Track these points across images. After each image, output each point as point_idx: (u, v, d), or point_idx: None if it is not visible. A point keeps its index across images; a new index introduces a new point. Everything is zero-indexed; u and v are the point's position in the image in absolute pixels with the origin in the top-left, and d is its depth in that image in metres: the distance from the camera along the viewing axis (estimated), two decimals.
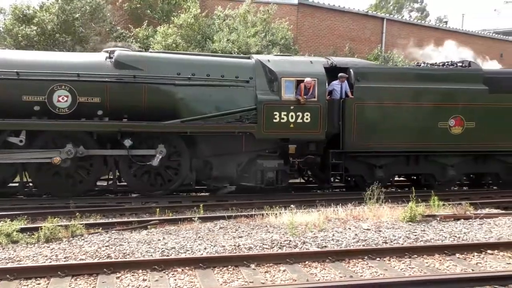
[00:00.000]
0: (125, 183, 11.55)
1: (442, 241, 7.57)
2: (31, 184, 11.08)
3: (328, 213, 8.98)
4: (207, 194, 12.09)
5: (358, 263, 6.48)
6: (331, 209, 9.24)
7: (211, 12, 21.10)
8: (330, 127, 11.57)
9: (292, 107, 11.16)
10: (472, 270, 6.26)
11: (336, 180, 12.36)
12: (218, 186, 11.75)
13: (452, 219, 8.90)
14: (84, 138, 10.67)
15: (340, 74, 11.70)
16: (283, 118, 11.11)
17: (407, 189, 12.32)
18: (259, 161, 11.35)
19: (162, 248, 6.81)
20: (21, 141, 10.23)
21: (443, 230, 8.17)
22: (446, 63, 13.47)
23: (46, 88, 10.27)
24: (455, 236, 7.82)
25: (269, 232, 7.77)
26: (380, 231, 7.96)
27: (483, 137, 11.71)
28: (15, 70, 10.19)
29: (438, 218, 8.86)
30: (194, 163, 11.30)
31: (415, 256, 6.78)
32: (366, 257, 6.62)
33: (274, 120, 11.08)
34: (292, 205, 9.11)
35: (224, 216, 8.93)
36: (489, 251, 7.07)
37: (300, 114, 11.19)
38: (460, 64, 13.09)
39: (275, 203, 9.91)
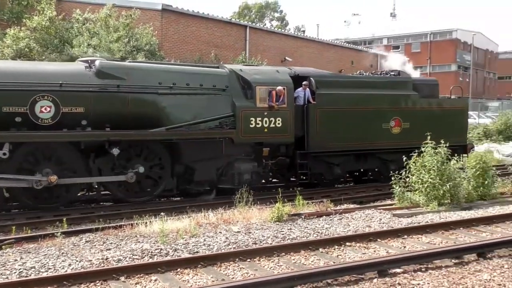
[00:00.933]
0: (108, 192, 11.35)
1: (307, 237, 8.02)
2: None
3: (199, 218, 9.01)
4: (163, 200, 12.10)
5: (229, 265, 6.58)
6: (202, 214, 9.29)
7: (69, 15, 20.00)
8: (297, 130, 12.41)
9: (265, 113, 11.91)
10: (334, 262, 6.71)
11: (303, 178, 13.03)
12: (200, 190, 11.92)
13: (316, 216, 9.47)
14: (68, 149, 10.51)
15: (304, 82, 12.69)
16: (258, 124, 11.83)
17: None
18: (236, 164, 11.80)
19: (20, 269, 6.25)
20: (4, 154, 9.67)
21: (307, 227, 8.64)
22: (382, 72, 15.41)
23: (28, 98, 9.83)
24: (318, 232, 8.33)
25: (139, 242, 7.56)
26: (250, 232, 8.18)
27: (416, 135, 12.50)
28: None
29: (303, 216, 9.35)
30: (177, 169, 11.51)
31: (283, 254, 7.08)
32: (237, 259, 6.75)
33: (251, 126, 11.76)
34: (162, 213, 8.96)
35: (91, 229, 8.49)
36: (347, 243, 7.65)
37: (273, 119, 12.00)
38: (392, 73, 14.99)
39: (144, 211, 9.68)
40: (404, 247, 7.64)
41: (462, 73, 55.76)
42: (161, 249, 7.13)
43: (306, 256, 7.07)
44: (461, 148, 14.42)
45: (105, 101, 10.54)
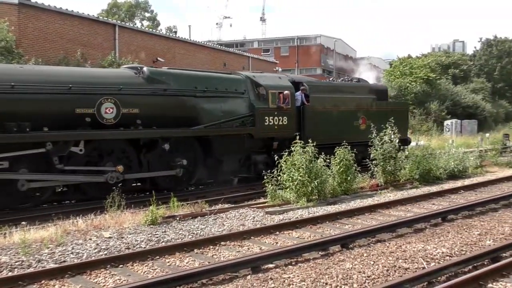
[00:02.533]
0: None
1: (182, 239, 7.98)
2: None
3: (67, 225, 8.50)
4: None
5: (100, 273, 6.31)
6: (70, 221, 8.78)
7: None
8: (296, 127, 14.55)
9: (276, 113, 14.22)
10: (209, 262, 6.77)
11: None
12: (226, 178, 13.72)
13: (191, 217, 9.47)
14: (125, 145, 11.83)
15: (301, 87, 15.23)
16: (270, 122, 14.10)
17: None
18: (253, 156, 13.68)
19: None
20: (80, 150, 10.97)
21: (182, 229, 8.61)
22: (344, 79, 18.98)
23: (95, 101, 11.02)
24: (194, 233, 8.34)
25: None
26: (122, 237, 7.92)
27: (379, 131, 13.92)
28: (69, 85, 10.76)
29: (178, 218, 9.29)
30: (208, 161, 13.25)
31: (157, 257, 6.98)
32: (108, 266, 6.50)
33: (265, 123, 14.01)
34: (23, 222, 8.31)
35: None
36: (222, 243, 7.77)
37: (281, 118, 14.33)
38: (355, 80, 18.35)
39: (2, 222, 8.85)
40: (276, 243, 7.96)
41: (327, 76, 59.58)
42: (23, 261, 6.61)
43: (181, 258, 7.03)
44: (403, 140, 17.02)
45: (155, 103, 12.04)
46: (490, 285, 5.85)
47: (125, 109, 11.45)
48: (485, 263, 6.61)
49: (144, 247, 7.42)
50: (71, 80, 10.95)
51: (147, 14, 59.34)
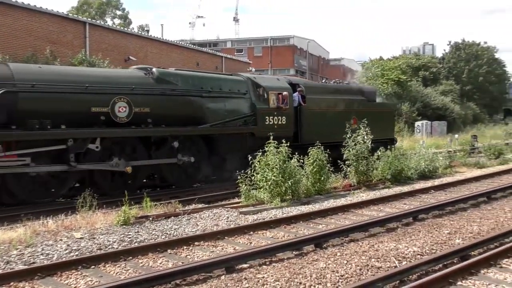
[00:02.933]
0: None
1: (155, 240, 7.91)
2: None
3: (37, 226, 8.33)
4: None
5: (71, 274, 6.20)
6: (40, 221, 8.61)
7: None
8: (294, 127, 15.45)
9: (275, 113, 14.95)
10: (182, 262, 6.73)
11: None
12: (227, 176, 14.03)
13: (164, 217, 9.40)
14: (135, 142, 12.44)
15: (299, 89, 16.06)
16: (270, 121, 14.82)
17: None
18: (253, 154, 12.67)
19: None
20: (97, 147, 11.48)
21: (155, 229, 8.53)
22: (335, 81, 19.59)
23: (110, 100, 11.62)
24: (167, 234, 8.28)
25: None
26: (94, 238, 7.81)
27: (374, 130, 14.63)
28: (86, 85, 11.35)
29: (151, 218, 9.21)
30: (212, 159, 13.89)
31: (130, 258, 6.90)
32: (80, 267, 6.40)
33: (266, 123, 14.71)
34: None
35: None
36: (196, 243, 7.74)
37: (280, 118, 15.07)
38: (346, 82, 19.86)
39: None
40: (250, 243, 7.97)
41: (300, 76, 59.93)
42: None
43: (154, 258, 6.97)
44: (390, 140, 18.36)
45: (164, 103, 12.70)
46: (459, 283, 5.99)
47: (137, 108, 12.12)
48: (455, 261, 6.75)
49: (117, 248, 7.33)
50: (87, 80, 11.54)
51: (118, 12, 58.60)
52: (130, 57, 26.31)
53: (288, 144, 11.61)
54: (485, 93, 60.27)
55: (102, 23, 33.42)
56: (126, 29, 34.10)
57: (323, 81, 21.27)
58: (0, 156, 10.10)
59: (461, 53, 60.93)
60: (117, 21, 56.52)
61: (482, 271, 6.38)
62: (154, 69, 13.06)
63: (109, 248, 7.31)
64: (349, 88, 19.03)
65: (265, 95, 14.93)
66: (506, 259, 6.91)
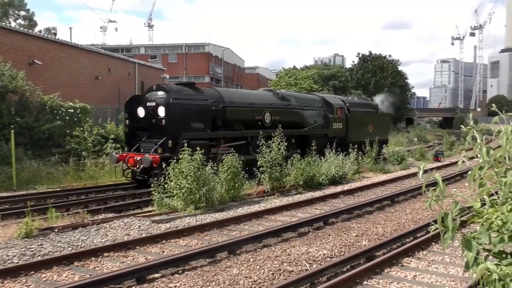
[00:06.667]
0: None
1: (60, 252, 7.51)
2: None
3: None
4: None
5: None
6: None
7: None
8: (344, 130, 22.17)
9: (337, 120, 21.35)
10: (90, 275, 6.43)
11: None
12: None
13: (71, 228, 8.95)
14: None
15: (347, 104, 22.68)
16: (334, 126, 21.13)
17: None
18: (325, 148, 18.23)
19: None
20: (260, 141, 14.50)
21: (61, 241, 8.11)
22: (359, 98, 28.90)
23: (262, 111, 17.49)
24: (74, 245, 7.89)
25: None
26: None
27: (375, 133, 23.15)
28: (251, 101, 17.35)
29: (56, 230, 8.74)
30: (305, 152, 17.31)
31: (32, 272, 6.50)
32: None
33: (332, 127, 21.01)
34: None
35: None
36: (105, 254, 7.44)
37: (339, 124, 21.53)
38: (363, 99, 28.61)
39: None
40: (163, 252, 7.81)
41: (215, 84, 60.02)
42: None
43: (59, 272, 6.61)
44: (386, 141, 26.24)
45: (286, 113, 18.68)
46: (365, 282, 6.26)
47: (274, 117, 17.73)
48: (361, 262, 7.05)
49: (17, 262, 6.87)
50: (253, 99, 17.53)
51: (22, 13, 55.42)
52: (35, 61, 24.88)
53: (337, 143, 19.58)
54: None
55: (4, 24, 31.39)
56: (30, 31, 32.24)
57: (350, 98, 27.54)
58: (223, 146, 15.33)
59: (368, 65, 64.22)
60: (21, 22, 53.42)
61: (385, 270, 6.72)
62: (278, 91, 20.00)
63: (8, 263, 6.83)
64: (368, 103, 27.06)
65: (332, 108, 21.30)
66: (407, 258, 7.34)
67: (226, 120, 15.80)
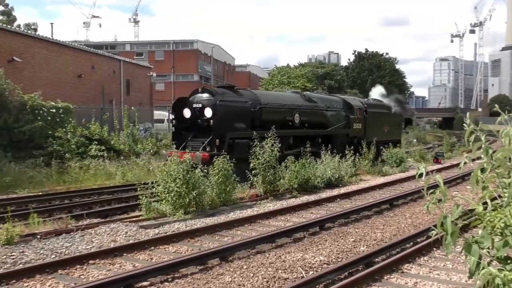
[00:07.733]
0: None
1: (43, 260, 7.50)
2: None
3: None
4: None
5: None
6: None
7: None
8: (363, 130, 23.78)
9: (357, 121, 22.92)
10: (75, 283, 6.43)
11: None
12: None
13: (54, 234, 8.93)
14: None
15: (365, 106, 24.37)
16: (354, 126, 22.68)
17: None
18: (345, 146, 20.05)
19: None
20: (291, 140, 18.36)
21: (44, 248, 8.09)
22: (369, 99, 29.09)
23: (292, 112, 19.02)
24: (57, 252, 7.89)
25: None
26: None
27: (390, 133, 26.12)
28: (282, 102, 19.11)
29: (38, 236, 8.72)
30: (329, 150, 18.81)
31: (13, 281, 6.49)
32: None
33: (353, 127, 22.56)
34: None
35: None
36: (91, 261, 7.44)
37: (358, 124, 23.04)
38: (376, 100, 28.52)
39: None
40: (151, 258, 7.82)
41: (204, 83, 59.99)
42: None
43: (42, 281, 6.60)
44: (398, 140, 28.01)
45: (312, 114, 20.32)
46: None
47: (303, 117, 19.28)
48: (360, 268, 7.10)
49: None
50: (284, 101, 19.29)
51: (0, 8, 55.05)
52: (14, 58, 24.77)
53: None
54: None
55: None
56: (9, 26, 32.04)
57: (366, 100, 28.77)
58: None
59: (364, 63, 64.54)
60: None
61: (385, 277, 6.77)
62: (304, 93, 22.49)
63: None
64: (382, 104, 28.04)
65: (352, 110, 22.84)
66: (407, 264, 7.40)
67: (262, 121, 17.19)
